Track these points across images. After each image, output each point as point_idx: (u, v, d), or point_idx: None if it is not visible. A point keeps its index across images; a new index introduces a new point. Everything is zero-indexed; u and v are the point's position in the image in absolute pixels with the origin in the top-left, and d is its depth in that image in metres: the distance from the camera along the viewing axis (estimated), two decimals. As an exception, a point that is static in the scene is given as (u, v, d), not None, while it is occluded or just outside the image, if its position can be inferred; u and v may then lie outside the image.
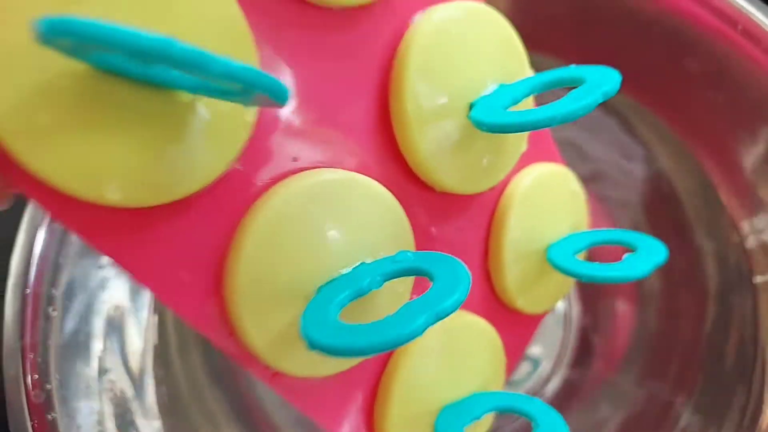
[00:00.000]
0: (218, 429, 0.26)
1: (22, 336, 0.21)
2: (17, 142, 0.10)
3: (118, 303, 0.24)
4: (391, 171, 0.15)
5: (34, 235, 0.22)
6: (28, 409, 0.20)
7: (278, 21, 0.13)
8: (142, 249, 0.12)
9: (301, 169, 0.13)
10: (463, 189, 0.17)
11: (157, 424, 0.24)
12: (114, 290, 0.24)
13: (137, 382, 0.24)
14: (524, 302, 0.19)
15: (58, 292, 0.22)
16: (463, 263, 0.13)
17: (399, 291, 0.15)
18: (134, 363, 0.24)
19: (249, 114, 0.12)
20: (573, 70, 0.15)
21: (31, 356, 0.21)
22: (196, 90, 0.11)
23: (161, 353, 0.25)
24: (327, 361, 0.14)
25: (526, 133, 0.18)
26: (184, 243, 0.12)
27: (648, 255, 0.17)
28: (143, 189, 0.11)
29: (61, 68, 0.10)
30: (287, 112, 0.14)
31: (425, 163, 0.15)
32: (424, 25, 0.15)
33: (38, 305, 0.21)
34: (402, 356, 0.16)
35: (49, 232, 0.22)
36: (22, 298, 0.21)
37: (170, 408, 0.24)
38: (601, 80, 0.14)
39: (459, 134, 0.15)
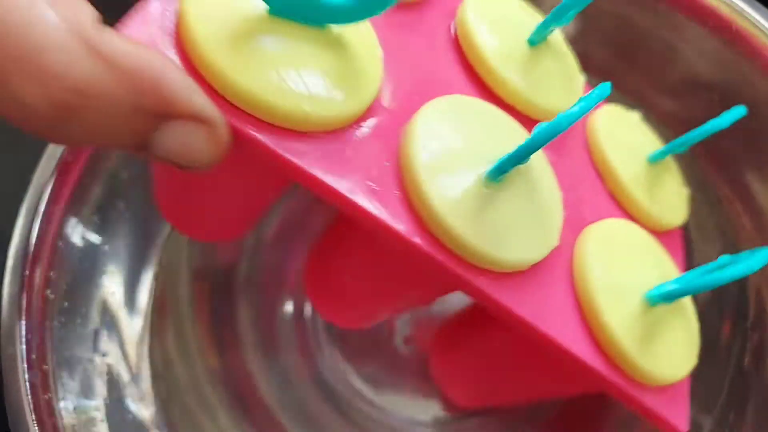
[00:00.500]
0: (216, 420, 0.26)
1: (19, 318, 0.21)
2: (221, 58, 0.13)
3: (115, 289, 0.24)
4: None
5: (32, 219, 0.22)
6: (25, 389, 0.20)
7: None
8: (329, 164, 0.14)
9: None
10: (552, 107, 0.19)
11: (152, 409, 0.24)
12: (112, 276, 0.25)
13: (134, 368, 0.24)
14: (658, 213, 0.20)
15: (57, 275, 0.22)
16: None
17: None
18: (131, 348, 0.24)
19: (378, 56, 0.16)
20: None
21: (29, 337, 0.21)
22: (338, 18, 0.14)
23: (159, 341, 0.25)
24: (526, 243, 0.15)
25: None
26: (360, 155, 0.14)
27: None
28: (327, 106, 0.14)
29: (246, 9, 0.13)
30: (398, 63, 0.17)
31: (510, 88, 0.18)
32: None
33: (36, 287, 0.21)
34: (581, 251, 0.17)
35: (47, 217, 0.22)
36: (21, 281, 0.21)
37: (167, 397, 0.24)
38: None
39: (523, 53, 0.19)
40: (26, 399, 0.20)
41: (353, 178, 0.14)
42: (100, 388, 0.23)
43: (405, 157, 0.15)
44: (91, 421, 0.22)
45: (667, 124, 0.26)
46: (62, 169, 0.22)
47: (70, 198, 0.22)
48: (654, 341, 0.17)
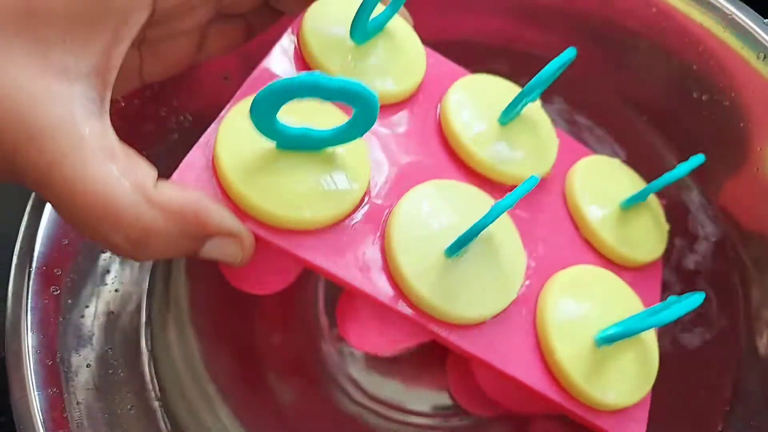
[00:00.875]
0: (214, 409, 0.26)
1: (24, 314, 0.21)
2: (245, 192, 0.17)
3: (118, 285, 0.25)
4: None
5: (37, 218, 0.22)
6: (30, 384, 0.20)
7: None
8: (330, 252, 0.18)
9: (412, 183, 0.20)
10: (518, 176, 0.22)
11: (154, 401, 0.24)
12: (115, 272, 0.25)
13: (136, 362, 0.25)
14: (628, 252, 0.23)
15: (61, 273, 0.22)
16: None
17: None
18: (134, 343, 0.25)
19: (367, 162, 0.20)
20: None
21: (33, 333, 0.21)
22: (339, 141, 0.18)
23: (161, 336, 0.26)
24: (482, 300, 0.19)
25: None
26: (352, 242, 0.19)
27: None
28: (324, 209, 0.18)
29: (261, 150, 0.18)
30: (389, 157, 0.21)
31: (485, 164, 0.22)
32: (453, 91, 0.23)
33: (41, 284, 0.22)
34: (544, 297, 0.20)
35: (52, 215, 0.22)
36: (25, 278, 0.21)
37: (168, 388, 0.25)
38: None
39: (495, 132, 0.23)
40: (31, 394, 0.20)
41: (348, 261, 0.18)
42: (105, 381, 0.23)
43: (387, 239, 0.19)
44: (95, 414, 0.22)
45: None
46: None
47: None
48: (603, 374, 0.19)
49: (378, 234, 0.19)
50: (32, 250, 0.22)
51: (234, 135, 0.18)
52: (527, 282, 0.21)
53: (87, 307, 0.23)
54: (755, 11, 0.26)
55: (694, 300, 0.18)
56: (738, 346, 0.25)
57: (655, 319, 0.18)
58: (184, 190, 0.17)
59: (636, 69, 0.29)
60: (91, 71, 0.17)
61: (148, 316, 0.25)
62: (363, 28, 0.21)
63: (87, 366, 0.23)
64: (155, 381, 0.25)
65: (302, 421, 0.26)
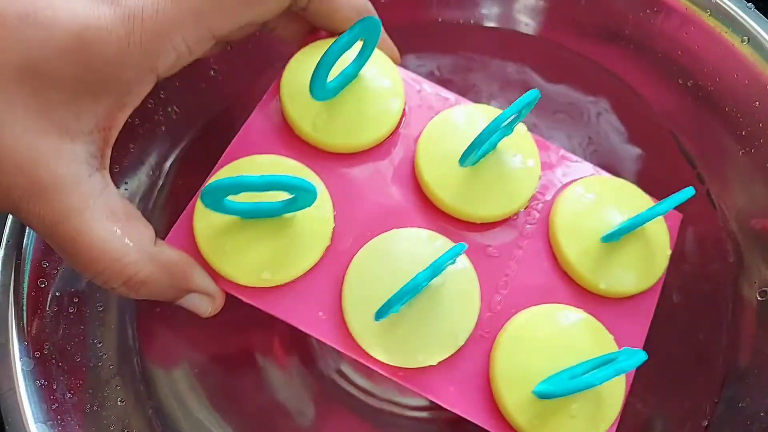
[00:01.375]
0: (201, 402, 0.26)
1: (11, 306, 0.21)
2: (212, 257, 0.20)
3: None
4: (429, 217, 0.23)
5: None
6: (18, 376, 0.20)
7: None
8: (288, 305, 0.21)
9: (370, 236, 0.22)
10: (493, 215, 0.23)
11: (143, 394, 0.24)
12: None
13: (125, 354, 0.25)
14: (609, 285, 0.22)
15: (49, 265, 0.22)
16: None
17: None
18: (121, 335, 0.25)
19: (329, 222, 0.21)
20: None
21: (21, 325, 0.21)
22: (292, 210, 0.20)
23: (148, 328, 0.26)
24: (428, 348, 0.20)
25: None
26: (311, 294, 0.21)
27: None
28: (282, 271, 0.21)
29: (227, 219, 0.21)
30: (356, 203, 0.22)
31: (451, 206, 0.22)
32: (424, 136, 0.23)
33: (29, 276, 0.22)
34: (497, 347, 0.21)
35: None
36: (13, 270, 0.21)
37: (154, 377, 0.25)
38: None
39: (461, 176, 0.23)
40: (19, 386, 0.20)
41: (306, 313, 0.21)
42: (94, 374, 0.23)
43: (343, 293, 0.21)
44: (83, 406, 0.22)
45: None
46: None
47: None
48: (548, 420, 0.20)
49: (339, 283, 0.21)
50: (20, 243, 0.22)
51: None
52: (488, 317, 0.21)
53: (75, 300, 0.23)
54: (738, -3, 0.26)
55: (633, 361, 0.18)
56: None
57: (590, 378, 0.18)
58: (178, 251, 0.20)
59: (622, 54, 0.29)
60: (93, 130, 0.18)
61: (137, 308, 0.25)
62: (322, 87, 0.21)
63: (75, 358, 0.22)
64: (144, 374, 0.25)
65: (288, 412, 0.26)
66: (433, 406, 0.25)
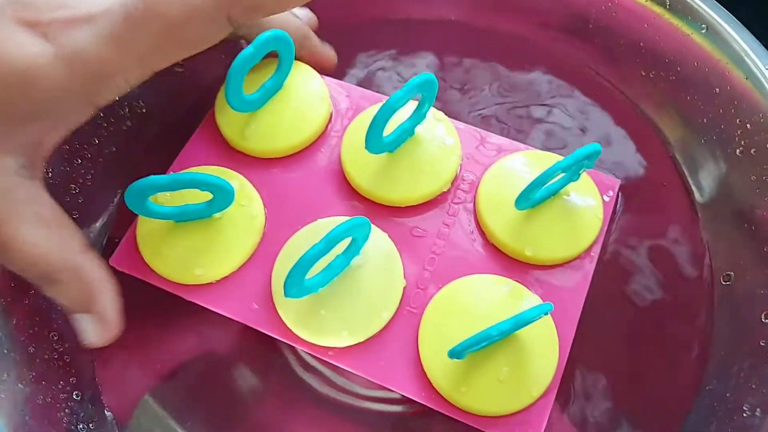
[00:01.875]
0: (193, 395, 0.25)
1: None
2: (151, 258, 0.22)
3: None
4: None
5: None
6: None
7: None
8: (222, 298, 0.22)
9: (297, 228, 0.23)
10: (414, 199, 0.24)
11: (119, 391, 0.24)
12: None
13: (77, 353, 0.24)
14: (531, 251, 0.23)
15: None
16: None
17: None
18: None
19: (258, 218, 0.23)
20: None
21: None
22: (215, 210, 0.22)
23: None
24: (351, 327, 0.21)
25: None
26: (244, 287, 0.22)
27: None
28: (214, 267, 0.22)
29: (165, 223, 0.23)
30: (286, 200, 0.24)
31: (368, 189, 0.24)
32: (349, 129, 0.25)
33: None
34: (422, 320, 0.22)
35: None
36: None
37: (132, 379, 0.24)
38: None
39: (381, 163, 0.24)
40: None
41: (240, 305, 0.22)
42: (46, 366, 0.22)
43: (272, 278, 0.22)
44: (30, 397, 0.21)
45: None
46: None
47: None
48: (475, 385, 0.20)
49: (270, 275, 0.22)
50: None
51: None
52: (416, 293, 0.22)
53: (31, 292, 0.23)
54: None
55: (533, 311, 0.19)
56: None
57: (474, 336, 0.19)
58: (101, 269, 0.21)
59: (583, 50, 0.29)
60: (25, 145, 0.20)
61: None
62: (238, 98, 0.23)
63: (30, 350, 0.22)
64: (96, 365, 0.24)
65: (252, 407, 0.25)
66: (401, 400, 0.24)
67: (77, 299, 0.20)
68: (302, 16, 0.26)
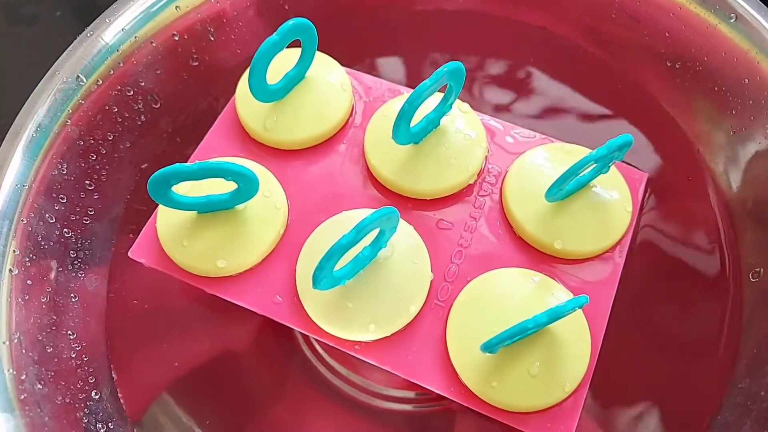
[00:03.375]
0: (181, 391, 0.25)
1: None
2: (173, 251, 0.22)
3: (81, 271, 0.24)
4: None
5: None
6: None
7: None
8: (245, 291, 0.22)
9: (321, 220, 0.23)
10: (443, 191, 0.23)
11: (111, 378, 0.24)
12: (77, 255, 0.24)
13: (94, 341, 0.24)
14: (561, 244, 0.22)
15: (19, 252, 0.22)
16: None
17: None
18: (94, 327, 0.24)
19: (281, 210, 0.23)
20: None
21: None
22: (240, 201, 0.22)
23: (118, 320, 0.25)
24: (379, 320, 0.21)
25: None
26: (268, 280, 0.22)
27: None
28: (237, 259, 0.22)
29: (186, 214, 0.22)
30: (310, 192, 0.24)
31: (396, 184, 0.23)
32: (371, 124, 0.25)
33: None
34: (451, 313, 0.21)
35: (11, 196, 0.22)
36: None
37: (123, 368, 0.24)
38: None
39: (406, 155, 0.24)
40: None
41: (264, 298, 0.22)
42: (65, 365, 0.22)
43: (297, 270, 0.22)
44: (52, 396, 0.21)
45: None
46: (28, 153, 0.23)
47: (35, 180, 0.23)
48: (505, 380, 0.20)
49: (293, 267, 0.22)
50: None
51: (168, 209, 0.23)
52: (444, 286, 0.22)
53: (48, 290, 0.23)
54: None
55: (569, 304, 0.18)
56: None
57: (509, 330, 0.18)
58: None
59: (610, 39, 0.29)
60: None
61: (107, 308, 0.25)
62: (261, 89, 0.23)
63: (48, 349, 0.22)
64: (113, 364, 0.24)
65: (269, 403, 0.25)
66: (421, 399, 0.24)
67: None
68: None
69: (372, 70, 0.29)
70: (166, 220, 0.22)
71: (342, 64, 0.25)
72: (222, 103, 0.26)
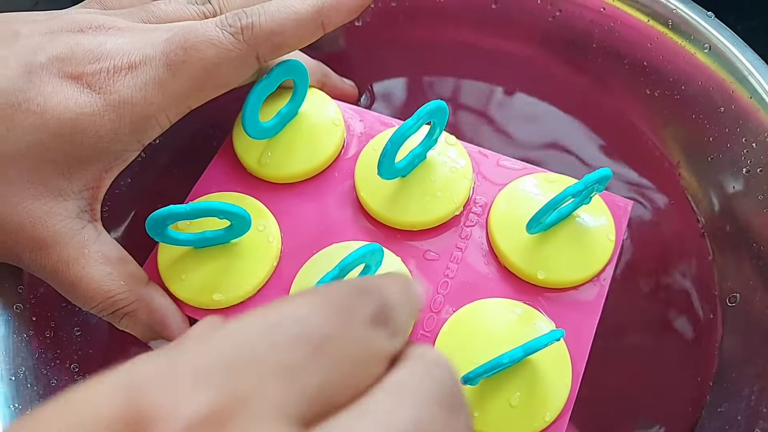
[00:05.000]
0: None
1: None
2: (171, 284, 0.23)
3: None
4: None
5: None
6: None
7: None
8: None
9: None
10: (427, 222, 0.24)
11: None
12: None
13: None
14: (544, 274, 0.23)
15: (24, 290, 0.22)
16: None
17: None
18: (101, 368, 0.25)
19: (275, 243, 0.24)
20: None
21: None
22: (234, 236, 0.23)
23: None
24: None
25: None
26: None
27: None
28: (233, 291, 0.23)
29: (185, 249, 0.23)
30: (303, 234, 0.24)
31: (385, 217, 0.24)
32: (361, 158, 0.25)
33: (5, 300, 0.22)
34: (436, 344, 0.22)
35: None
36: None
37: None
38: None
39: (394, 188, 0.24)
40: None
41: None
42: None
43: None
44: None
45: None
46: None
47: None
48: (486, 411, 0.21)
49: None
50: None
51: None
52: (430, 317, 0.22)
53: (52, 324, 0.23)
54: (699, 4, 0.26)
55: (543, 339, 0.19)
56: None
57: (485, 364, 0.19)
58: (166, 299, 0.23)
59: (591, 68, 0.29)
60: (83, 189, 0.21)
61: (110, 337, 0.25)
62: (254, 126, 0.24)
63: (52, 383, 0.22)
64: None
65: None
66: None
67: (150, 328, 0.22)
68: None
69: (366, 100, 0.30)
70: (165, 255, 0.23)
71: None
72: (216, 134, 0.27)
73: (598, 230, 0.23)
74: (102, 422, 0.10)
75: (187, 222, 0.23)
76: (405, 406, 0.11)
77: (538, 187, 0.24)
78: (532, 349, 0.19)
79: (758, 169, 0.24)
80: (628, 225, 0.27)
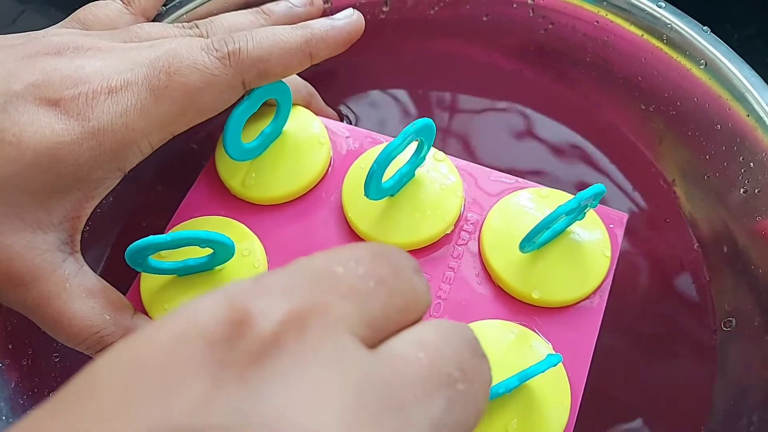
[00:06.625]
0: None
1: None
2: (152, 309, 0.22)
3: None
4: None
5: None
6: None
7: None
8: None
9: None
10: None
11: None
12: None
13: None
14: (538, 293, 0.22)
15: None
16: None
17: None
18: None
19: (260, 269, 0.23)
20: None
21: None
22: (217, 263, 0.22)
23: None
24: None
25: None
26: None
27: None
28: None
29: (168, 278, 0.22)
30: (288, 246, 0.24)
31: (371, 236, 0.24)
32: (349, 176, 0.25)
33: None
34: None
35: None
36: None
37: None
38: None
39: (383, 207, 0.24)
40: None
41: None
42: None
43: None
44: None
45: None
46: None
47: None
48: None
49: None
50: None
51: None
52: None
53: (29, 352, 0.23)
54: (695, 19, 0.25)
55: (538, 366, 0.19)
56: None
57: (493, 389, 0.18)
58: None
59: (585, 82, 0.29)
60: (64, 220, 0.20)
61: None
62: (236, 148, 0.23)
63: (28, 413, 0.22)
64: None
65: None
66: None
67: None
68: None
69: (352, 114, 0.29)
70: (148, 283, 0.23)
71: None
72: (200, 148, 0.26)
73: (593, 245, 0.22)
74: (210, 325, 0.11)
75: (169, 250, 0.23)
76: (448, 343, 0.13)
77: (532, 201, 0.23)
78: (528, 376, 0.18)
79: (756, 190, 0.24)
80: (622, 245, 0.26)
